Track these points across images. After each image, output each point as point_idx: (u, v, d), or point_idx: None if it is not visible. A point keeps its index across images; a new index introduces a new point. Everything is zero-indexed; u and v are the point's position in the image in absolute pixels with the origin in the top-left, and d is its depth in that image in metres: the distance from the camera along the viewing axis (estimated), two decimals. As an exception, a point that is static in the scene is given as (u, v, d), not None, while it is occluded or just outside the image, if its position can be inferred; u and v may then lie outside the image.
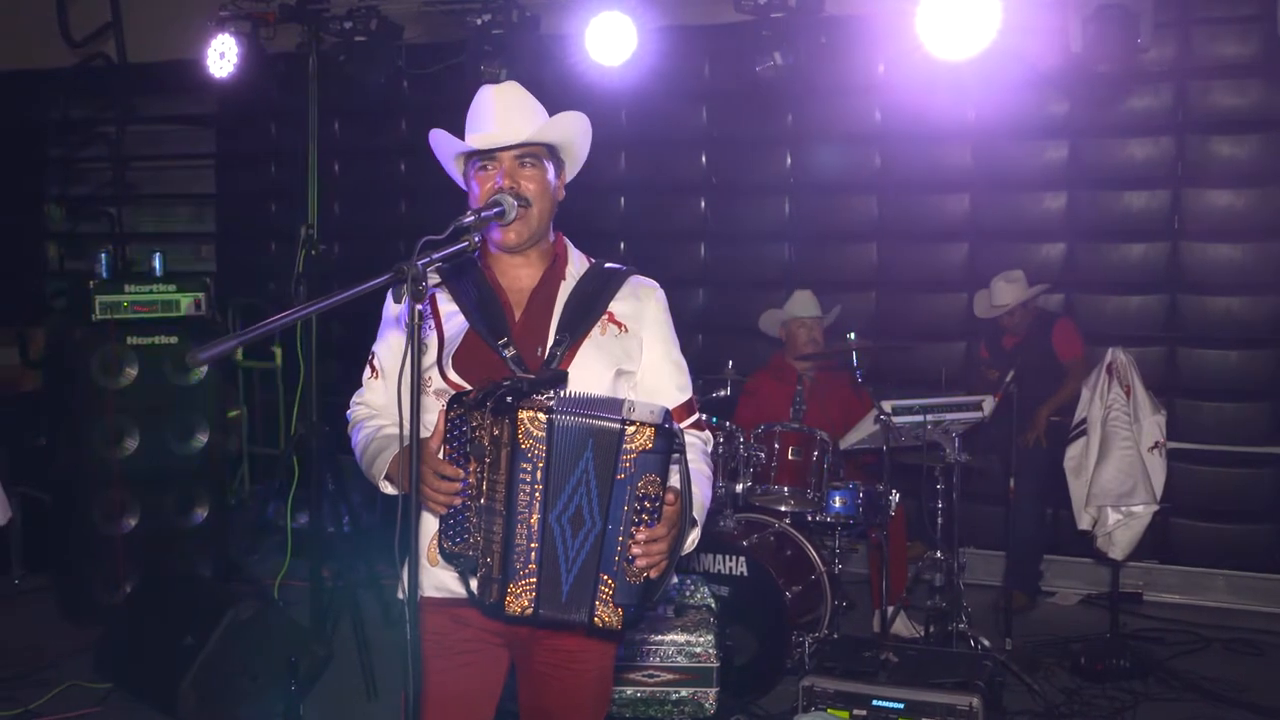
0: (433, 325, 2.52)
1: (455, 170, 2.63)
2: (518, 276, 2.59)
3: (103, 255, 5.89)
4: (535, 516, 2.25)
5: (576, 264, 2.64)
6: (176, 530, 5.82)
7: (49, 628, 5.72)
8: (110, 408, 5.69)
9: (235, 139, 8.95)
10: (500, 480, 2.25)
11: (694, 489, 2.36)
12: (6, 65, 8.65)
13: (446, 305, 2.55)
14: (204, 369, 5.91)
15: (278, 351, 7.71)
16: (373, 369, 2.65)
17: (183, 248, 9.25)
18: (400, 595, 2.41)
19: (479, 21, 5.43)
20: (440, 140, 2.57)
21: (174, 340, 5.78)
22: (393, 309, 2.60)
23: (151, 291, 5.76)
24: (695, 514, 2.39)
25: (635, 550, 2.23)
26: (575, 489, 2.24)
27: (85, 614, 5.65)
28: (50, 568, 6.22)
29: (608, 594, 2.26)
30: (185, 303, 5.84)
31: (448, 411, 2.34)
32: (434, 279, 2.58)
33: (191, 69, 6.13)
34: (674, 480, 2.29)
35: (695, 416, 2.66)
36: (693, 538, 2.38)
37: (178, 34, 6.86)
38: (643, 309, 2.62)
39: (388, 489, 2.48)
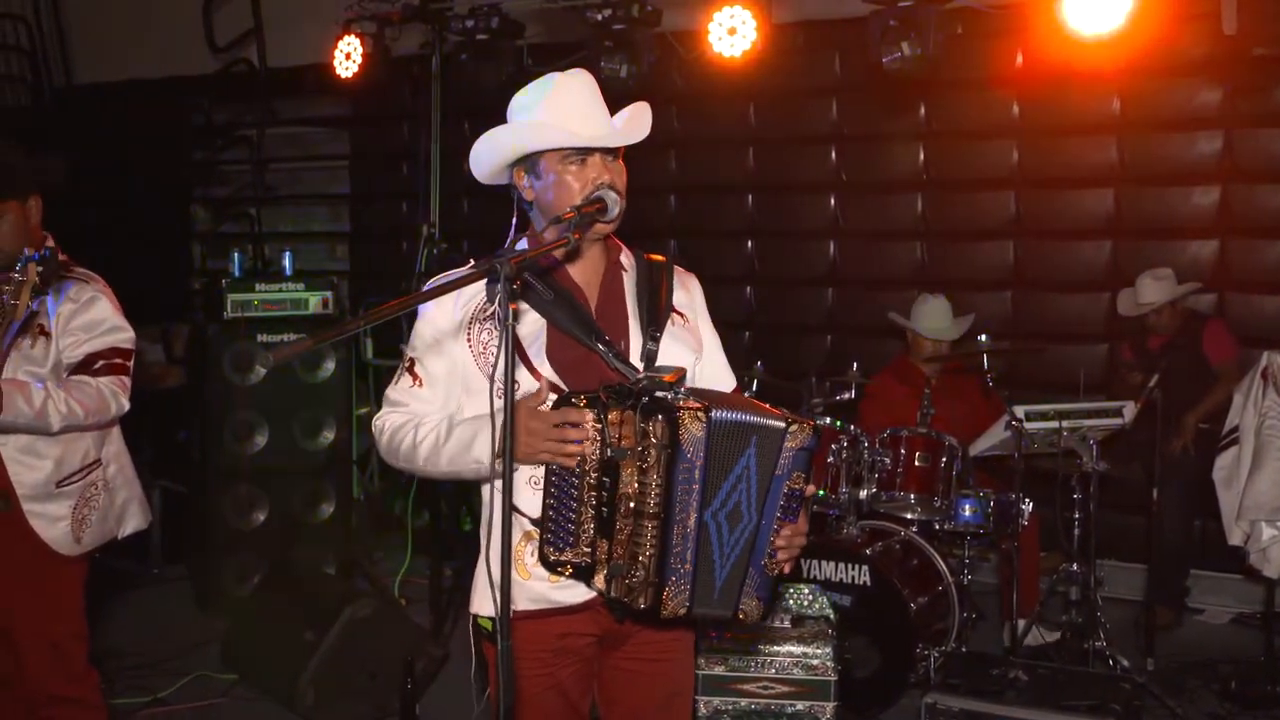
0: (494, 325, 2.45)
1: (497, 163, 2.50)
2: (583, 271, 2.54)
3: (235, 254, 6.03)
4: (692, 516, 2.26)
5: (627, 256, 2.62)
6: (303, 525, 5.93)
7: (183, 617, 5.88)
8: (241, 404, 5.82)
9: (368, 140, 9.11)
10: (653, 483, 2.25)
11: None
12: (155, 73, 8.97)
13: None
14: (331, 367, 6.01)
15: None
16: (415, 378, 2.51)
17: (319, 247, 9.47)
18: (473, 609, 2.40)
19: (600, 17, 5.37)
20: (533, 132, 2.45)
21: (302, 338, 5.86)
22: (443, 318, 2.49)
23: (281, 290, 5.88)
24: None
25: (780, 543, 2.30)
26: (735, 486, 2.27)
27: (217, 605, 5.78)
28: (186, 559, 6.40)
29: (752, 587, 2.32)
30: (313, 301, 5.94)
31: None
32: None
33: (327, 72, 6.24)
34: None
35: None
36: None
37: (315, 38, 6.97)
38: (692, 299, 2.66)
39: (497, 468, 2.34)
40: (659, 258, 2.64)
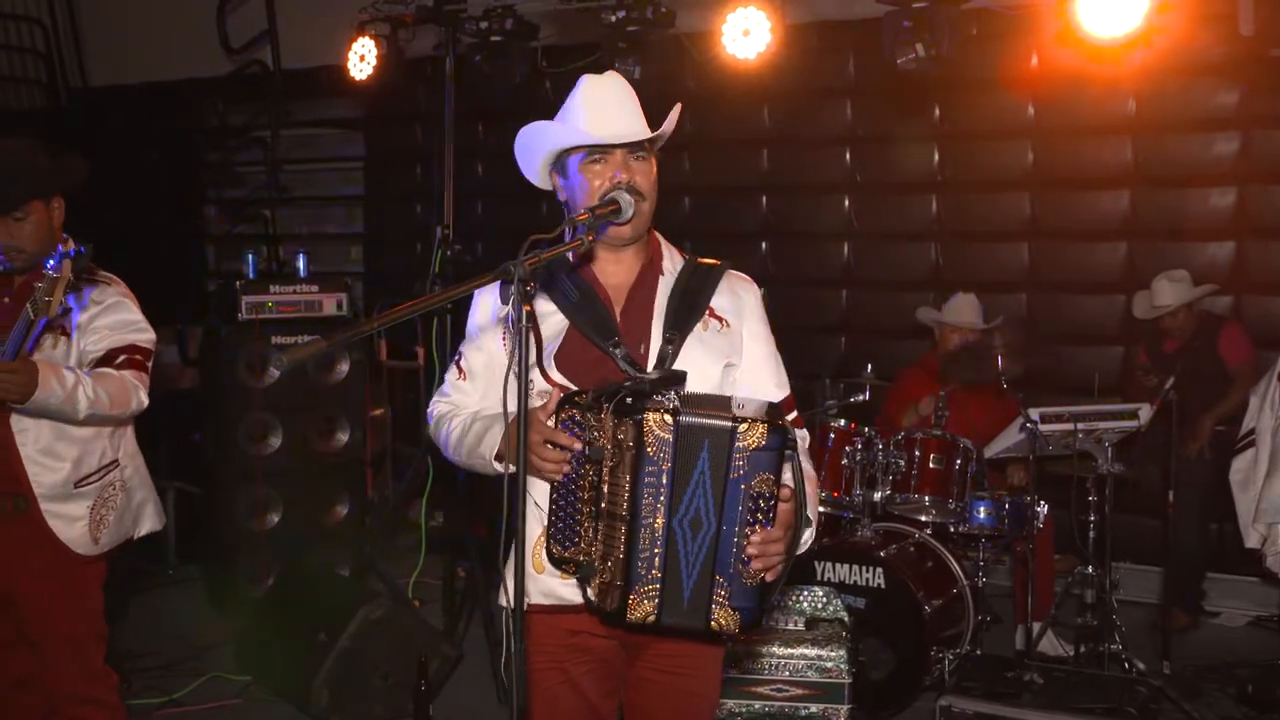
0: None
1: (537, 167, 2.56)
2: (615, 273, 2.53)
3: (249, 256, 6.04)
4: (659, 521, 2.21)
5: (672, 260, 2.59)
6: (317, 527, 5.94)
7: (198, 618, 5.89)
8: (255, 405, 5.82)
9: (382, 142, 9.14)
10: (623, 484, 2.22)
11: (806, 487, 2.31)
12: (169, 75, 9.00)
13: (542, 305, 2.47)
14: (345, 368, 6.02)
15: (421, 351, 7.81)
16: (460, 370, 2.62)
17: (333, 249, 9.51)
18: (502, 602, 2.38)
19: (614, 19, 5.37)
20: (549, 133, 2.48)
21: (316, 340, 5.85)
22: (482, 313, 2.57)
23: (295, 291, 5.89)
24: (809, 513, 2.34)
25: (751, 551, 2.20)
26: (695, 491, 2.20)
27: (232, 606, 5.79)
28: (200, 560, 6.41)
29: (724, 597, 2.23)
30: (328, 303, 5.95)
31: (557, 413, 2.31)
32: None
33: (341, 74, 6.25)
34: (787, 477, 2.25)
35: (794, 414, 2.58)
36: (807, 537, 2.34)
37: (328, 40, 6.99)
38: (741, 305, 2.58)
39: (497, 468, 2.41)
40: (712, 261, 2.60)
